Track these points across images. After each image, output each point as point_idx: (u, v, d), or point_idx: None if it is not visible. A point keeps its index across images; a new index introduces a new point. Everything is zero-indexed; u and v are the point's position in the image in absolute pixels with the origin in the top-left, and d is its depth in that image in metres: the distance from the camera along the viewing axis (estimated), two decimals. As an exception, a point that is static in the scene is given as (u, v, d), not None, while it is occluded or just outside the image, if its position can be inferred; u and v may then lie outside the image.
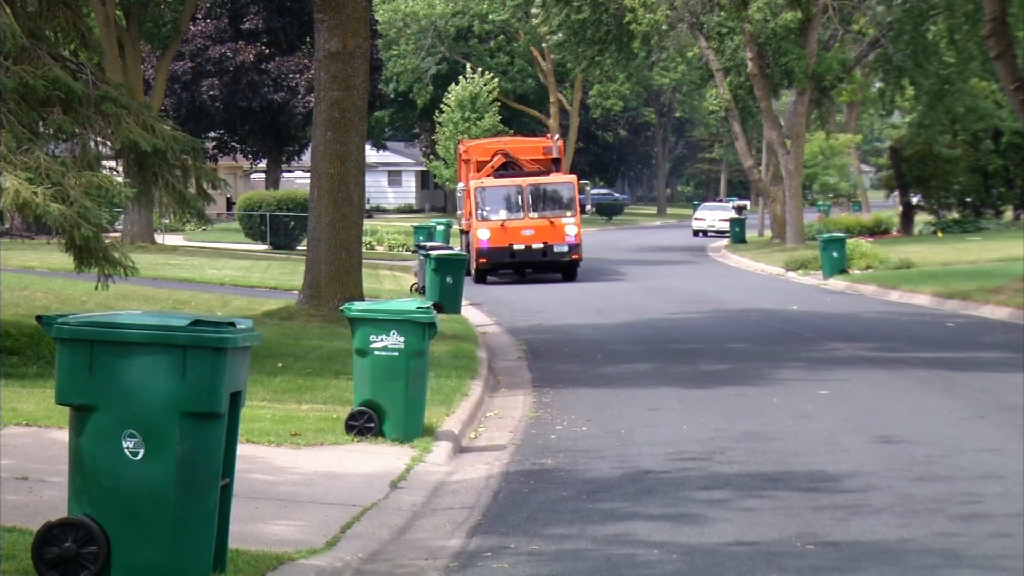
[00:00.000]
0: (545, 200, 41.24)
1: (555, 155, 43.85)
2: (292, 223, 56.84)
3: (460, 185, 43.58)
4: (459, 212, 45.36)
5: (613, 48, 58.52)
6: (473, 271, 40.37)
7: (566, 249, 40.85)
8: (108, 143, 18.88)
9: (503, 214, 40.86)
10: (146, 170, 18.68)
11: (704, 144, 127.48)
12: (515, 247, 40.66)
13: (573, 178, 42.70)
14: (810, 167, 73.03)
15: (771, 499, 11.02)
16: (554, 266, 41.58)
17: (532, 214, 40.84)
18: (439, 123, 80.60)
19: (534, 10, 64.10)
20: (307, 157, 49.33)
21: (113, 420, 7.56)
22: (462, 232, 44.87)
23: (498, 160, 43.06)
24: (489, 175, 42.23)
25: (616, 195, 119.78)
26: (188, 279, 35.85)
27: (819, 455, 13.04)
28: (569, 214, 40.97)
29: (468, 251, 40.96)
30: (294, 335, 22.86)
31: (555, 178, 42.25)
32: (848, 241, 43.15)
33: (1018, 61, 33.07)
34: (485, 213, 40.85)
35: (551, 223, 40.72)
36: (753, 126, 69.40)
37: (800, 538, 9.64)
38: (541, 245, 40.71)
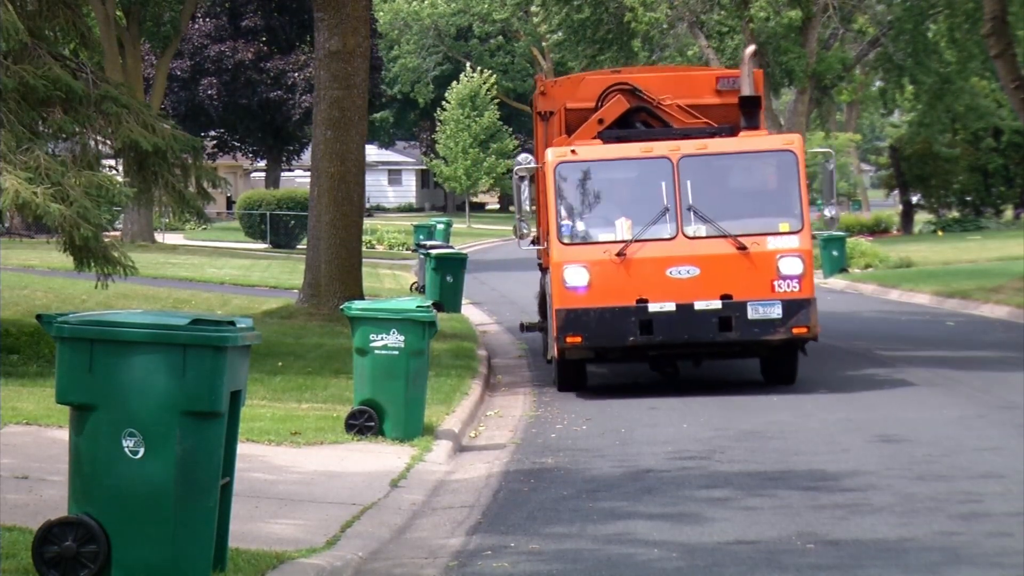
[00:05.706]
0: (724, 194, 18.00)
1: (746, 91, 18.87)
2: (292, 222, 56.85)
3: (523, 158, 18.98)
4: (532, 230, 19.95)
5: (613, 47, 58.48)
6: (553, 357, 18.29)
7: (778, 312, 17.24)
8: (108, 142, 18.91)
9: (621, 228, 17.61)
10: (146, 169, 18.70)
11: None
12: (651, 307, 17.25)
13: (794, 139, 18.29)
14: (810, 166, 72.96)
15: (771, 498, 11.02)
16: (746, 350, 18.05)
17: (694, 227, 17.49)
18: (440, 120, 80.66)
19: (534, 8, 64.00)
20: (307, 156, 49.34)
21: (113, 419, 7.56)
22: (544, 270, 19.84)
23: (614, 105, 19.20)
24: (594, 136, 18.61)
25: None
26: (188, 278, 35.84)
27: (819, 454, 13.04)
28: (786, 226, 17.52)
29: (544, 311, 19.60)
30: (294, 334, 22.87)
31: (749, 141, 18.14)
32: (848, 240, 43.18)
33: (1018, 60, 33.07)
34: (578, 227, 17.78)
35: (741, 248, 17.35)
36: (753, 125, 69.27)
37: (800, 537, 9.63)
38: (716, 303, 17.25)
